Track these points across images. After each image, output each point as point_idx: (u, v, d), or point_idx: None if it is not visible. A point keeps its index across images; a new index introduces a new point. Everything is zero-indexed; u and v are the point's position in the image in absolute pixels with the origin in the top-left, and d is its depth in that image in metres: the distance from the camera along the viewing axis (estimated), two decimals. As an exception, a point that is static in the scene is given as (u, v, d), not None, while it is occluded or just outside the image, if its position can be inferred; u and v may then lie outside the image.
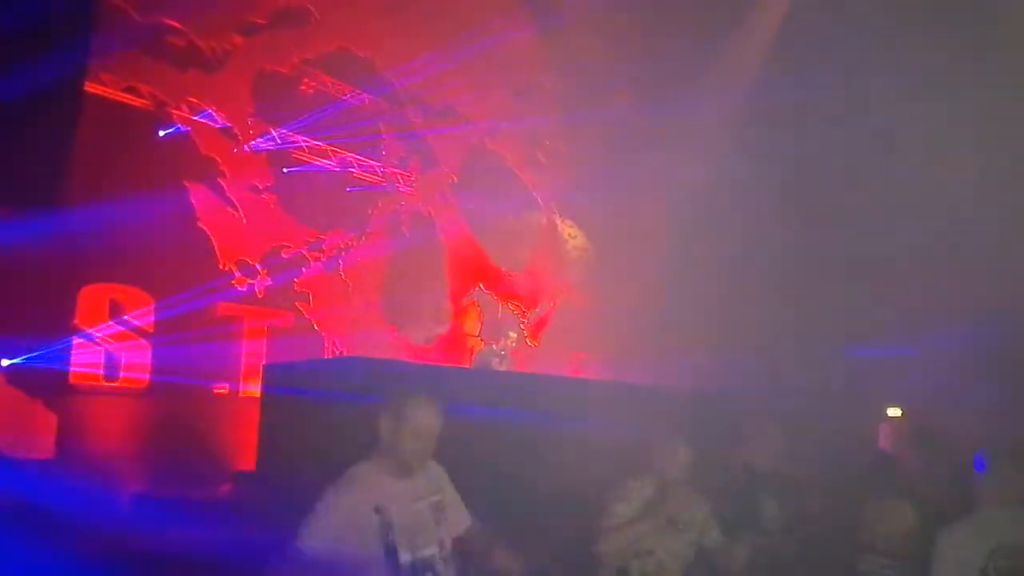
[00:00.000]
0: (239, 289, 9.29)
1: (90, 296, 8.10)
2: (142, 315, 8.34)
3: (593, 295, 13.10)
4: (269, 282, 9.58)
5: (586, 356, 12.54)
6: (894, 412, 9.26)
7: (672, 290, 11.37)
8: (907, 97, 9.55)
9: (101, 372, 8.16)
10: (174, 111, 8.84)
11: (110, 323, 8.16)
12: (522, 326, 12.51)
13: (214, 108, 9.17)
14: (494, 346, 9.30)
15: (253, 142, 9.53)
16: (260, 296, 9.51)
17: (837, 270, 10.56)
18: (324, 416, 5.32)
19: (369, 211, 10.97)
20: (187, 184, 8.96)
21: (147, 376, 8.34)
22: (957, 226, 9.31)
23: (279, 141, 9.78)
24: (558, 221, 13.44)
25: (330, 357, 9.81)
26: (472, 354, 11.42)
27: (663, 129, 11.64)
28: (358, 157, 10.76)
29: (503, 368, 8.82)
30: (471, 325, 12.19)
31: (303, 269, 10.03)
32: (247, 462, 7.57)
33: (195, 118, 9.04)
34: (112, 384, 8.22)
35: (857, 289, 10.28)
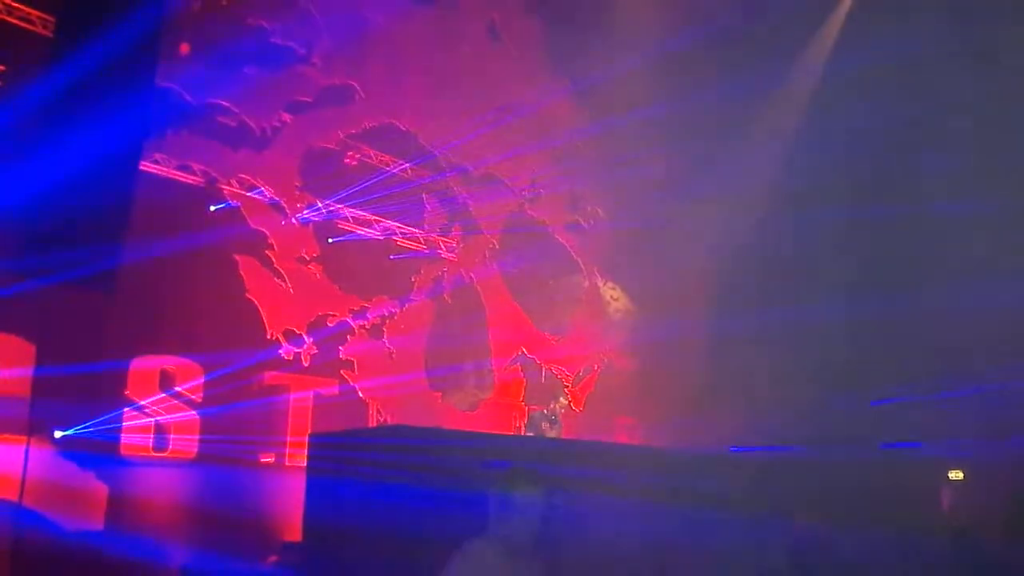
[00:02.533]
0: (286, 358, 9.42)
1: (141, 368, 8.28)
2: (191, 385, 8.49)
3: (636, 358, 12.96)
4: (315, 351, 9.69)
5: (633, 421, 12.34)
6: (955, 475, 8.86)
7: (717, 350, 11.19)
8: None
9: (151, 442, 8.28)
10: (225, 187, 9.14)
11: (160, 394, 8.31)
12: (566, 390, 12.40)
13: (263, 183, 9.46)
14: (544, 411, 9.17)
15: (300, 214, 9.78)
16: (306, 365, 9.61)
17: (888, 324, 10.27)
18: (370, 485, 5.30)
19: (412, 278, 11.11)
20: (237, 257, 9.21)
21: (195, 446, 8.43)
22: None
23: (325, 212, 10.02)
24: (600, 283, 13.42)
25: (375, 425, 9.81)
26: (515, 419, 11.30)
27: (703, 188, 11.65)
28: (401, 225, 10.96)
29: (554, 433, 8.69)
30: (515, 390, 12.11)
31: (348, 337, 10.15)
32: (293, 532, 7.54)
33: (246, 193, 9.33)
34: (161, 454, 8.33)
35: (911, 346, 9.99)
